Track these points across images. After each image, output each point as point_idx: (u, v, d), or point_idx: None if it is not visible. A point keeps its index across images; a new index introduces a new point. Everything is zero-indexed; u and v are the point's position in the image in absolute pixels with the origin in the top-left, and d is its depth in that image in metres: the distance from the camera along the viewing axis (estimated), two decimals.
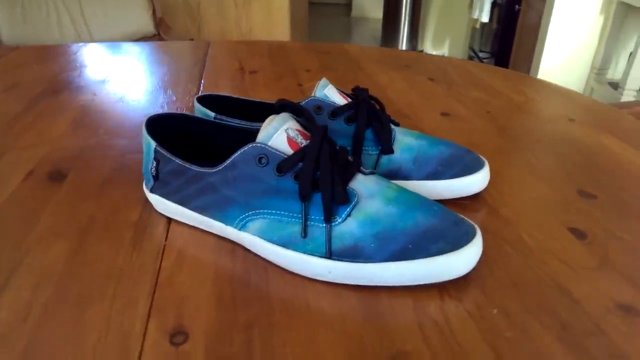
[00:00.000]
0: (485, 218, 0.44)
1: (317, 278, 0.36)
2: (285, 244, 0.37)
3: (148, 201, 0.46)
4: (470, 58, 3.30)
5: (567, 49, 2.07)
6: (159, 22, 1.97)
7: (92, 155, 0.56)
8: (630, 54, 1.86)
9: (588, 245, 0.41)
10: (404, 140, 0.47)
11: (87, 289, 0.36)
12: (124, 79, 0.84)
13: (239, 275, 0.37)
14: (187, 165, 0.40)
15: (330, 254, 0.35)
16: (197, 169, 0.39)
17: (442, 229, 0.36)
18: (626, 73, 1.78)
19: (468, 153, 0.47)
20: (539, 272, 0.38)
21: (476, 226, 0.37)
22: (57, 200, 0.47)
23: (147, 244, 0.41)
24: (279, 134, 0.37)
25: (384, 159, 0.46)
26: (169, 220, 0.44)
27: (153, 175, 0.43)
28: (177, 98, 0.75)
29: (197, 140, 0.47)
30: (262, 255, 0.39)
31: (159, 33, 1.93)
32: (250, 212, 0.38)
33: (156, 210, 0.45)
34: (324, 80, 0.48)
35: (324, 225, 0.36)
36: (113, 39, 1.82)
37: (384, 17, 3.91)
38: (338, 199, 0.35)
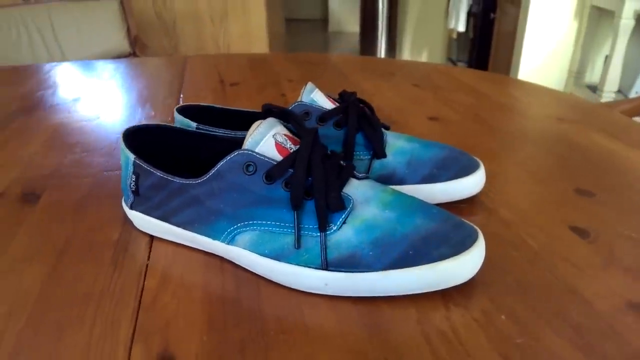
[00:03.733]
0: (484, 220, 0.43)
1: (313, 291, 0.34)
2: (277, 257, 0.34)
3: (128, 219, 0.43)
4: None
5: (544, 54, 2.10)
6: (134, 41, 1.93)
7: (68, 174, 0.53)
8: (606, 57, 1.89)
9: (592, 244, 0.39)
10: (396, 144, 0.45)
11: (65, 314, 0.33)
12: (99, 96, 0.81)
13: (229, 293, 0.35)
14: (169, 177, 0.37)
15: (326, 265, 0.33)
16: (180, 181, 0.37)
17: (443, 232, 0.34)
18: (604, 75, 1.81)
19: (462, 155, 0.46)
20: (546, 274, 0.36)
21: (477, 228, 0.35)
22: (30, 222, 0.44)
23: (129, 264, 0.38)
24: (267, 140, 0.35)
25: (377, 163, 0.44)
26: (151, 238, 0.41)
27: (133, 191, 0.40)
28: (155, 113, 0.72)
29: (179, 153, 0.44)
30: (253, 270, 0.36)
31: (134, 52, 1.89)
32: (238, 225, 0.35)
33: (137, 228, 0.42)
34: (309, 85, 0.46)
35: (319, 234, 0.34)
36: (87, 58, 1.78)
37: (361, 30, 3.94)
38: (332, 206, 0.33)
